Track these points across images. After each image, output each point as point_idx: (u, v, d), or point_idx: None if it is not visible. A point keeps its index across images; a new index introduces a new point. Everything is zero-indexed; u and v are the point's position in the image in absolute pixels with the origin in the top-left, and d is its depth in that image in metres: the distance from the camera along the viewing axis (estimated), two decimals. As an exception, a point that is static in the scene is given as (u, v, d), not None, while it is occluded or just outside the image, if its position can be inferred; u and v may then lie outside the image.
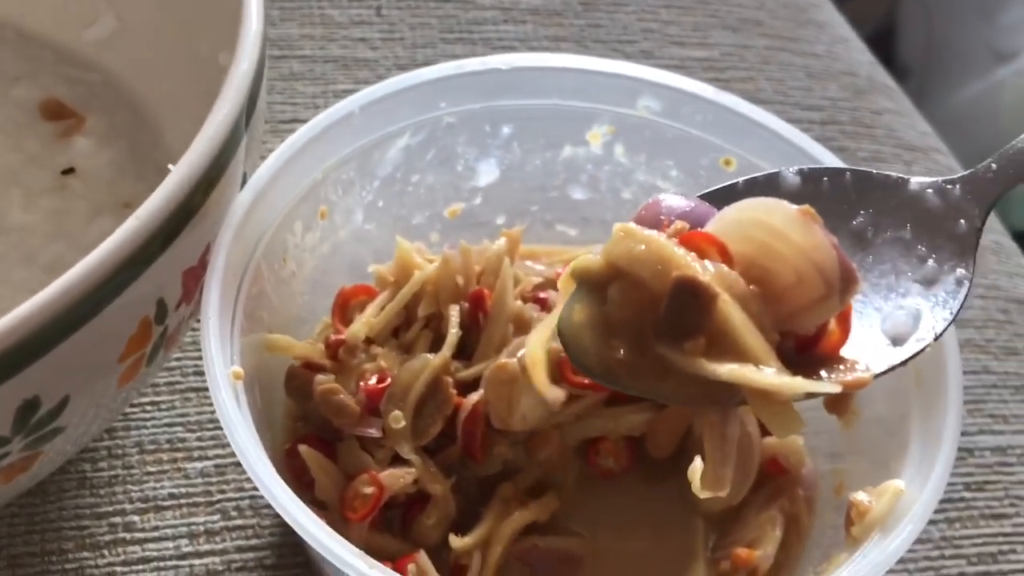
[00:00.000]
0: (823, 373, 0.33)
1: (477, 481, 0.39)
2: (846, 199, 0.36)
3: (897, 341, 0.35)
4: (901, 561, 0.43)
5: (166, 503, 0.41)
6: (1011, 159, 0.35)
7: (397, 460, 0.37)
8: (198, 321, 0.37)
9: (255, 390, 0.36)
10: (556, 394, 0.38)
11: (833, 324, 0.33)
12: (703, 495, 0.33)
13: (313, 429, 0.39)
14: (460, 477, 0.38)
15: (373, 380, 0.38)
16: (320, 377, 0.38)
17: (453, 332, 0.39)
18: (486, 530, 0.37)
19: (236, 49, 0.36)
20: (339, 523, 0.36)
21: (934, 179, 0.36)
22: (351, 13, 0.63)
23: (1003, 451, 0.48)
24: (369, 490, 0.36)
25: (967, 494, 0.46)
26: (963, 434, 0.35)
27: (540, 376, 0.38)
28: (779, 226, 0.32)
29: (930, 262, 0.35)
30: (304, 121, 0.55)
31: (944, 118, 1.02)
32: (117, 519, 0.41)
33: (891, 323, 0.35)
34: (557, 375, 0.39)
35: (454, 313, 0.40)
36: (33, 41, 0.49)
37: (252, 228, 0.37)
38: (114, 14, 0.48)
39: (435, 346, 0.40)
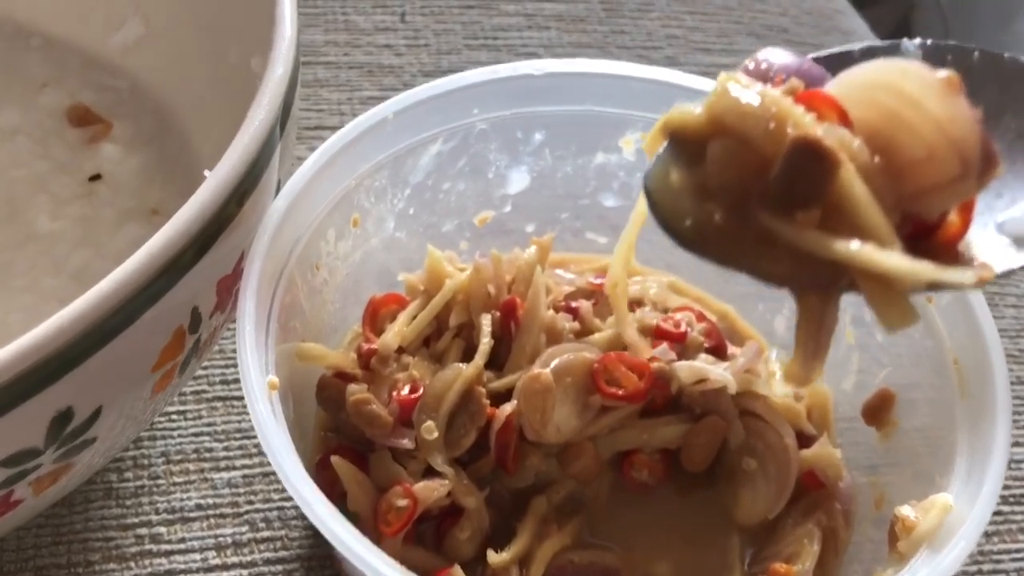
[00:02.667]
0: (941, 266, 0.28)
1: (509, 494, 0.38)
2: (970, 81, 0.31)
3: (1017, 243, 0.31)
4: (939, 576, 0.43)
5: (193, 514, 0.41)
6: None
7: (430, 472, 0.37)
8: (228, 329, 0.36)
9: (289, 400, 0.35)
10: (632, 336, 0.36)
11: (953, 214, 0.30)
12: (785, 387, 0.30)
13: (345, 440, 0.38)
14: (492, 490, 0.38)
15: (406, 390, 0.37)
16: (352, 387, 0.37)
17: (485, 341, 0.39)
18: (522, 546, 0.36)
19: (270, 54, 0.35)
20: (372, 536, 0.35)
21: None
22: (375, 19, 0.62)
23: (1041, 464, 0.47)
24: (403, 503, 0.35)
25: (1005, 507, 0.46)
26: (1007, 465, 0.33)
27: (621, 303, 0.36)
28: (914, 92, 0.28)
29: None
30: (329, 127, 0.56)
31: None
32: (143, 530, 0.40)
33: (1011, 224, 0.32)
34: (591, 387, 0.38)
35: (486, 322, 0.39)
36: (60, 47, 0.48)
37: (286, 236, 0.36)
38: (141, 19, 0.47)
39: (467, 356, 0.39)
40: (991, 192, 0.31)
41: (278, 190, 0.37)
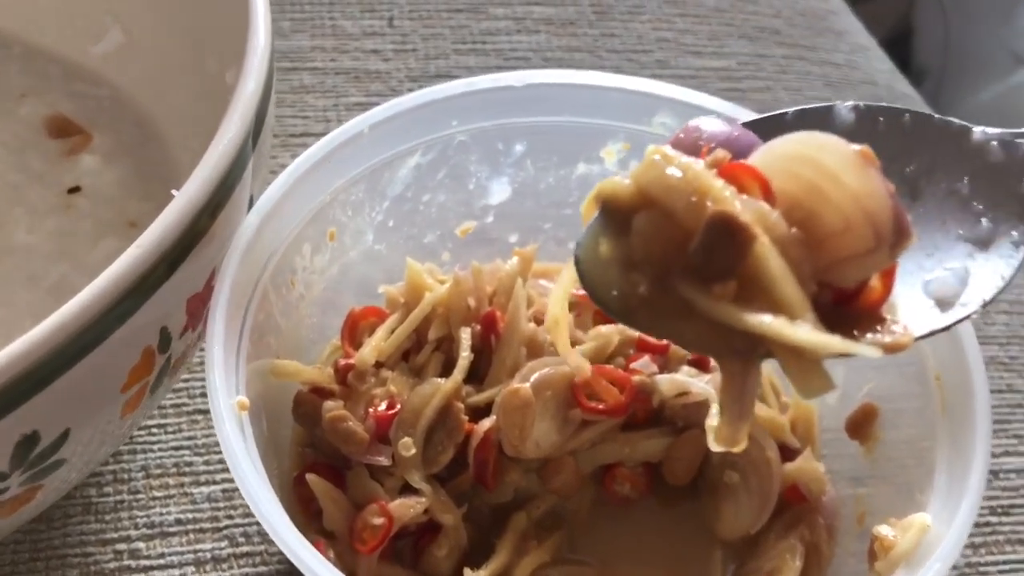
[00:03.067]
0: (860, 332, 0.29)
1: (489, 510, 0.38)
2: (901, 143, 0.33)
3: (941, 304, 0.32)
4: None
5: (172, 529, 0.41)
6: None
7: (407, 489, 0.36)
8: (203, 345, 0.36)
9: (262, 418, 0.35)
10: (579, 361, 0.37)
11: (875, 279, 0.30)
12: (716, 449, 0.31)
13: (321, 456, 0.38)
14: (471, 506, 0.38)
15: (383, 406, 0.37)
16: (328, 404, 0.37)
17: (464, 356, 0.38)
18: (501, 563, 0.36)
19: (243, 68, 0.35)
20: (348, 554, 0.35)
21: (1002, 130, 0.33)
22: (363, 24, 0.62)
23: (1030, 474, 0.47)
24: (379, 521, 0.35)
25: (993, 518, 0.45)
26: (985, 485, 0.33)
27: (563, 338, 0.36)
28: (832, 166, 0.29)
29: (985, 221, 0.32)
30: (315, 134, 0.55)
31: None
32: (122, 546, 0.40)
33: (936, 284, 0.32)
34: (571, 400, 0.38)
35: (465, 336, 0.39)
36: (40, 56, 0.48)
37: (259, 252, 0.36)
38: (121, 29, 0.47)
39: (446, 370, 0.39)
40: (921, 251, 0.32)
41: (252, 204, 0.36)
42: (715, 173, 0.29)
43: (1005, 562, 0.44)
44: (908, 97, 0.67)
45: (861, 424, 0.40)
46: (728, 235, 0.28)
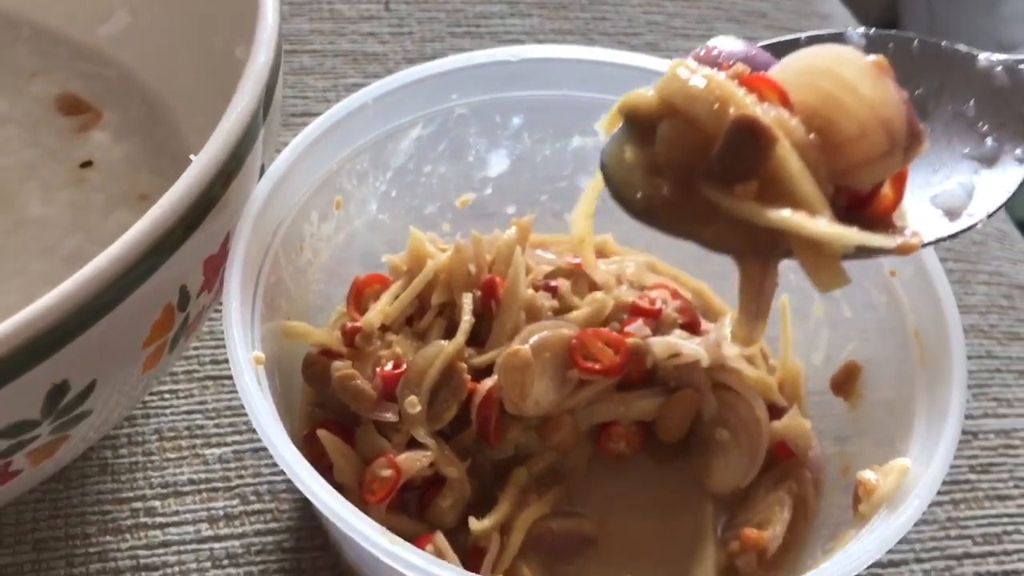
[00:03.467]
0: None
1: (491, 465, 0.40)
2: (910, 66, 0.34)
3: (949, 215, 0.34)
4: (908, 542, 0.45)
5: (186, 488, 0.42)
6: None
7: (413, 444, 0.38)
8: (216, 310, 0.38)
9: (275, 376, 0.36)
10: (604, 276, 0.39)
11: (887, 187, 0.32)
12: (733, 349, 0.32)
13: (331, 415, 0.39)
14: (475, 461, 0.39)
15: (389, 366, 0.39)
16: (337, 364, 0.38)
17: (466, 319, 0.40)
18: (503, 514, 0.37)
19: (253, 42, 0.37)
20: (358, 506, 0.37)
21: (1006, 56, 0.34)
22: (360, 8, 0.63)
23: (1007, 434, 0.49)
24: (387, 473, 0.36)
25: (972, 476, 0.47)
26: (967, 417, 0.35)
27: (588, 254, 0.38)
28: (849, 77, 0.31)
29: (989, 140, 0.34)
30: (315, 114, 0.56)
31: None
32: (138, 504, 0.42)
33: (943, 197, 0.34)
34: (569, 362, 0.40)
35: (467, 301, 0.40)
36: (48, 37, 0.49)
37: (270, 218, 0.37)
38: (128, 9, 0.49)
39: (449, 334, 0.40)
40: (928, 167, 0.34)
41: (262, 174, 0.38)
42: (736, 84, 0.31)
43: (984, 516, 0.46)
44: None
45: (845, 382, 0.41)
46: (751, 136, 0.29)
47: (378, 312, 0.40)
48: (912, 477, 0.34)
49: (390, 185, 0.43)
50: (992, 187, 0.33)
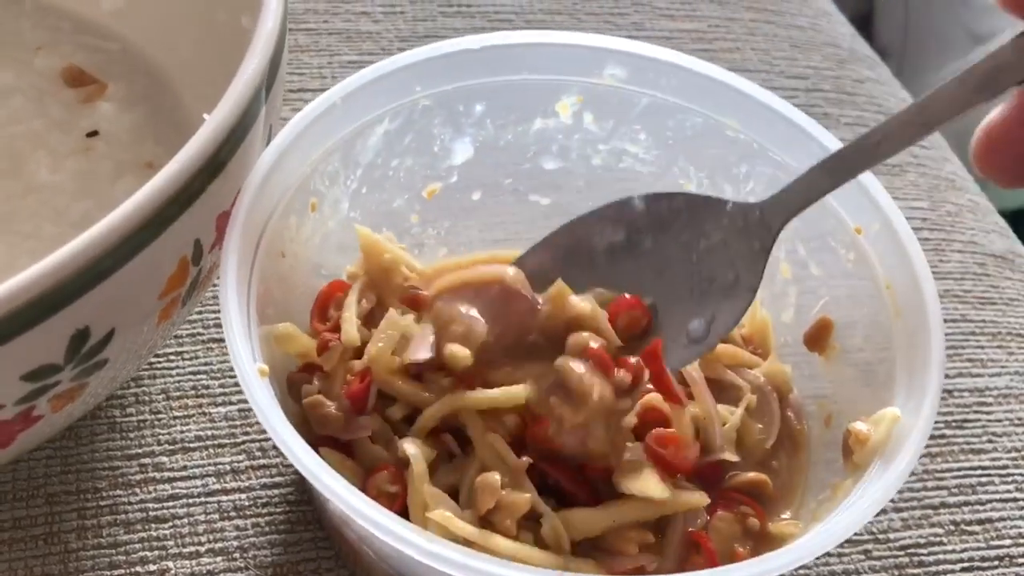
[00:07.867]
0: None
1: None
2: (682, 218, 0.41)
3: (695, 342, 0.40)
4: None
5: (193, 444, 0.44)
6: (798, 189, 0.39)
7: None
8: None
9: (273, 384, 0.36)
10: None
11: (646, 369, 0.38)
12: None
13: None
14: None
15: (355, 382, 0.38)
16: (307, 388, 0.38)
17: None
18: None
19: (260, 10, 0.38)
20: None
21: (744, 202, 0.40)
22: (353, -12, 0.65)
23: (981, 392, 0.51)
24: (393, 489, 0.36)
25: (948, 431, 0.49)
26: (944, 376, 0.37)
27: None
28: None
29: (731, 273, 0.40)
30: (312, 90, 0.58)
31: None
32: (147, 460, 0.43)
33: (696, 324, 0.40)
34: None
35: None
36: (52, 12, 0.51)
37: (251, 226, 0.37)
38: (130, -16, 0.50)
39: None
40: (693, 299, 0.41)
41: (271, 139, 0.39)
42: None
43: (959, 469, 0.48)
44: (869, 58, 0.71)
45: (818, 338, 0.43)
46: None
47: (349, 323, 0.40)
48: (903, 426, 0.36)
49: (360, 182, 0.44)
50: (729, 312, 0.40)
